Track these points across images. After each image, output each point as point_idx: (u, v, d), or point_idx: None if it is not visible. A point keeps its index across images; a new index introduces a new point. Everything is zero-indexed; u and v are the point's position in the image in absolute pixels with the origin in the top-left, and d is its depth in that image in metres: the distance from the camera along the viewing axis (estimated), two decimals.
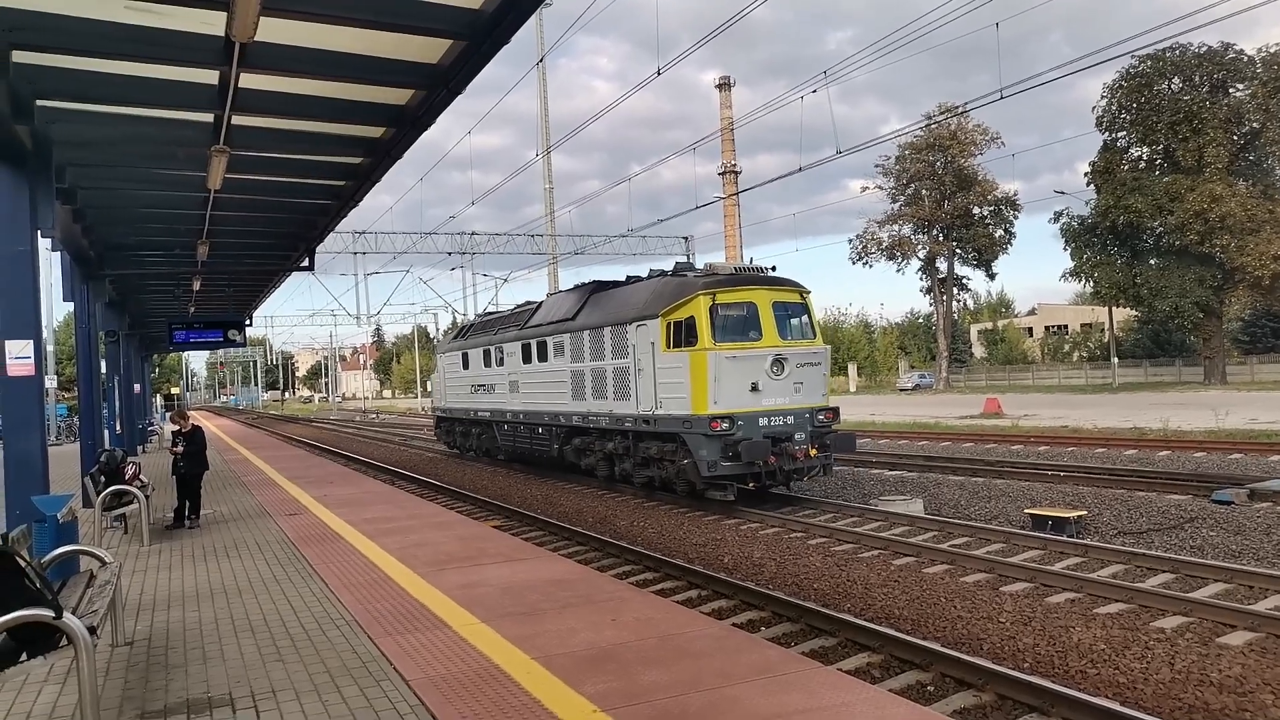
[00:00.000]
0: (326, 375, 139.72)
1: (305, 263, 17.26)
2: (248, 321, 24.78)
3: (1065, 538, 11.48)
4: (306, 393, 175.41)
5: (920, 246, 68.22)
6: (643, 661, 5.62)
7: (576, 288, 19.79)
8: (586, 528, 13.77)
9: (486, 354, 22.89)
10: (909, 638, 7.50)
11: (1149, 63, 49.40)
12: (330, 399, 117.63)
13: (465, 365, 24.73)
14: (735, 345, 14.15)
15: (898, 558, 11.00)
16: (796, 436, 14.28)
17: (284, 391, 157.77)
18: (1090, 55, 15.34)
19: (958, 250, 67.76)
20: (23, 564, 4.96)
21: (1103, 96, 52.14)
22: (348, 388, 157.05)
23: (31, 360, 8.47)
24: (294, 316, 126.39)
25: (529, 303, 22.96)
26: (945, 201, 66.32)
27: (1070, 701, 6.05)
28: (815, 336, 15.10)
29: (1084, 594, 9.02)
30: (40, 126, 8.83)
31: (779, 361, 14.32)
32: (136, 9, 7.29)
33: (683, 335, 14.45)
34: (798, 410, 14.40)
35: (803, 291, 15.23)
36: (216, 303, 25.85)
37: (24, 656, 4.83)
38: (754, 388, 14.11)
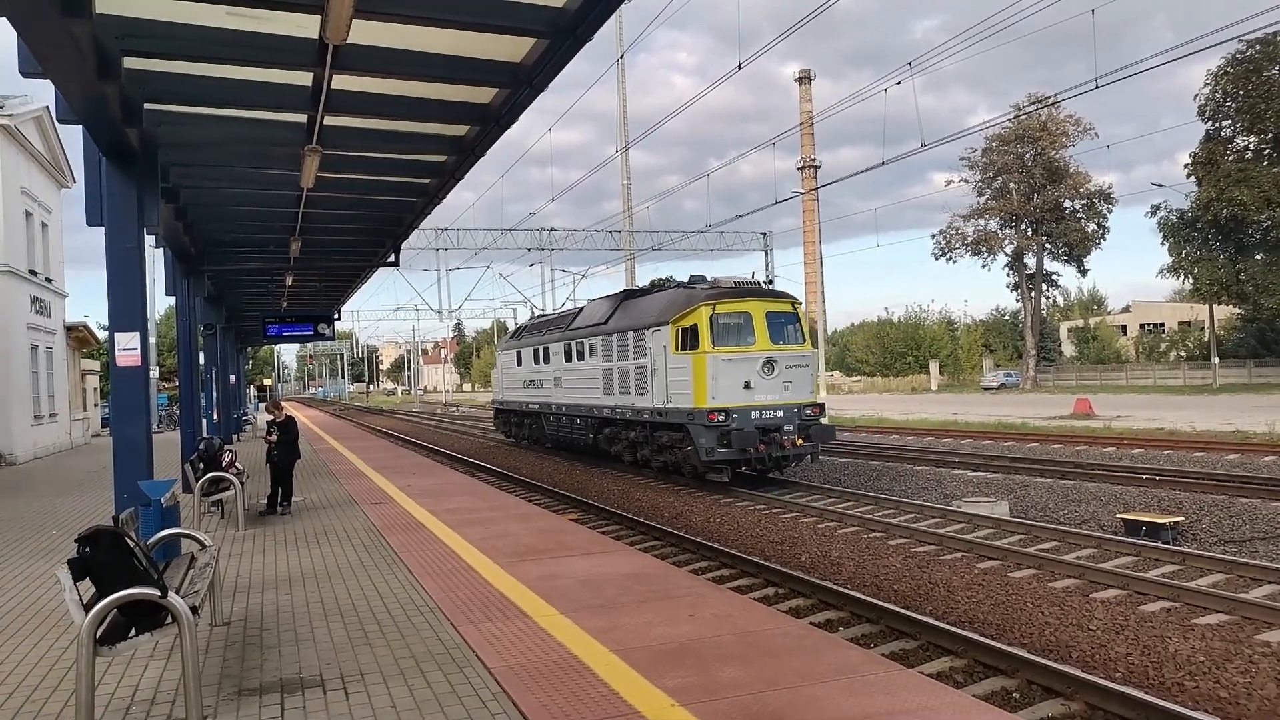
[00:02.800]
0: (409, 368, 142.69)
1: (391, 258, 17.70)
2: (336, 315, 25.57)
3: (1161, 544, 11.02)
4: (390, 385, 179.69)
5: (1007, 241, 66.20)
6: (721, 657, 5.61)
7: (610, 295, 22.05)
8: (663, 523, 13.82)
9: (536, 353, 25.38)
10: (994, 643, 7.31)
11: (1257, 48, 46.86)
12: (412, 391, 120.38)
13: (519, 362, 27.19)
14: (731, 349, 16.31)
15: (982, 561, 10.73)
16: (785, 428, 16.27)
17: (369, 384, 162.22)
18: (1194, 41, 14.57)
19: (1047, 245, 65.52)
20: (132, 544, 5.22)
21: (1206, 84, 49.77)
22: (429, 381, 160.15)
23: (138, 351, 8.90)
24: (379, 311, 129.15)
25: (578, 308, 25.55)
26: (1034, 195, 64.18)
27: (1167, 715, 5.81)
28: (804, 342, 17.08)
29: (1181, 603, 8.65)
30: (148, 129, 9.27)
31: (769, 363, 16.40)
32: (237, 14, 7.59)
33: (689, 340, 16.63)
34: (786, 405, 16.40)
35: (794, 302, 17.39)
36: (307, 297, 26.78)
37: (133, 632, 5.09)
38: (747, 385, 16.21)
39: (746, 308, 16.68)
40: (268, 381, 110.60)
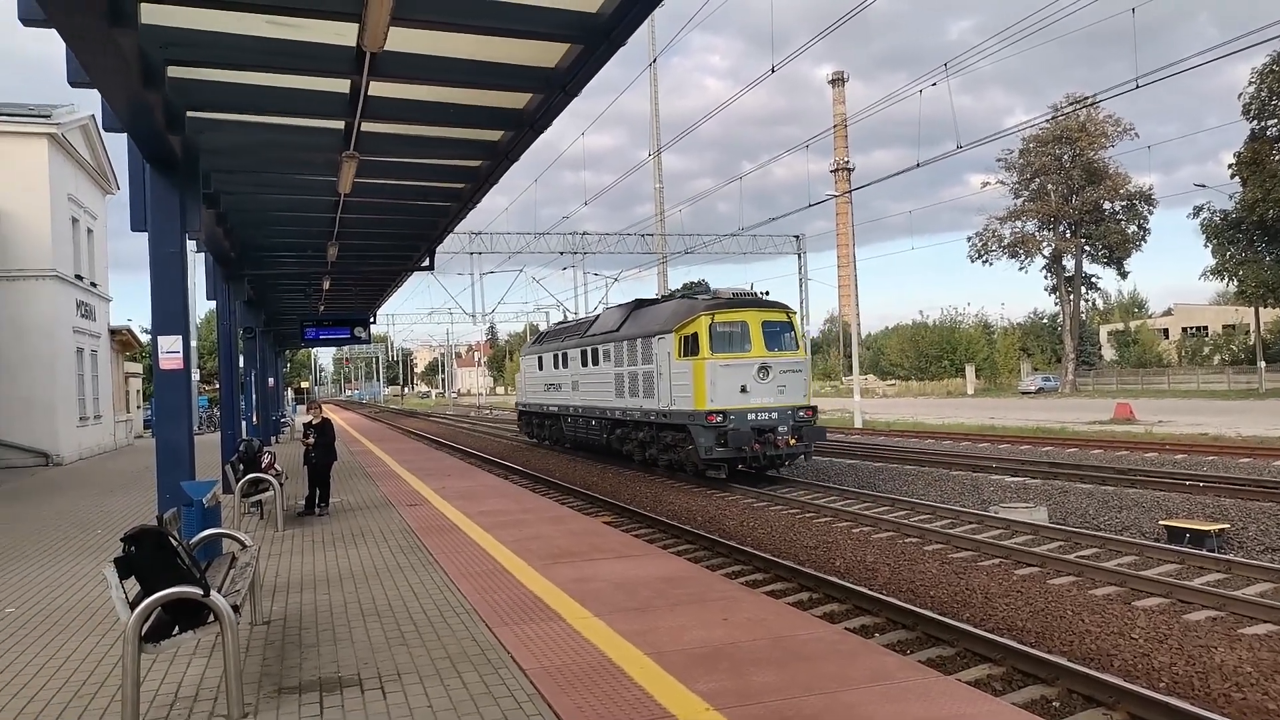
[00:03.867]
0: (443, 371, 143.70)
1: (426, 262, 17.90)
2: (372, 319, 25.95)
3: (1205, 552, 10.79)
4: (424, 388, 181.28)
5: (1045, 243, 65.26)
6: (755, 662, 5.59)
7: (623, 304, 23.88)
8: (696, 527, 13.81)
9: (556, 357, 27.06)
10: (1033, 650, 7.20)
11: None
12: (446, 394, 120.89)
13: (540, 367, 28.90)
14: (728, 355, 17.70)
15: (1020, 567, 10.58)
16: (779, 429, 17.59)
17: (403, 387, 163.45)
18: (1238, 39, 14.22)
19: (1086, 247, 64.49)
20: (175, 544, 5.32)
21: (1251, 82, 48.68)
22: (463, 384, 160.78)
23: (180, 355, 9.09)
24: (413, 315, 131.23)
25: (594, 315, 27.57)
26: (1073, 196, 63.23)
27: None
28: (798, 349, 18.57)
29: (1227, 613, 8.46)
30: (190, 136, 9.45)
31: (764, 368, 17.74)
32: (277, 23, 7.72)
33: (690, 347, 18.07)
34: (781, 408, 17.73)
35: (789, 312, 18.82)
36: (344, 301, 27.17)
37: (176, 630, 5.18)
38: (743, 389, 17.55)
39: (743, 317, 18.05)
40: (305, 384, 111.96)
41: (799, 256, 47.02)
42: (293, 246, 18.05)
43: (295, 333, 26.13)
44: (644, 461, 21.09)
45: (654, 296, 22.87)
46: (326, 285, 20.92)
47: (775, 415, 17.63)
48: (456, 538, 10.31)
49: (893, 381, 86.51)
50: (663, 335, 19.07)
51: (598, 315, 25.95)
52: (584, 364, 24.25)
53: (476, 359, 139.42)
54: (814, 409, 18.36)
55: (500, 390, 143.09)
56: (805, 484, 18.07)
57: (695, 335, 17.96)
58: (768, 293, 19.33)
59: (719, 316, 17.96)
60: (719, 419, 17.30)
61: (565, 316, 50.84)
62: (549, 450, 29.01)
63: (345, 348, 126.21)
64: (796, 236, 47.09)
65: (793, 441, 17.62)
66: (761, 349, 17.92)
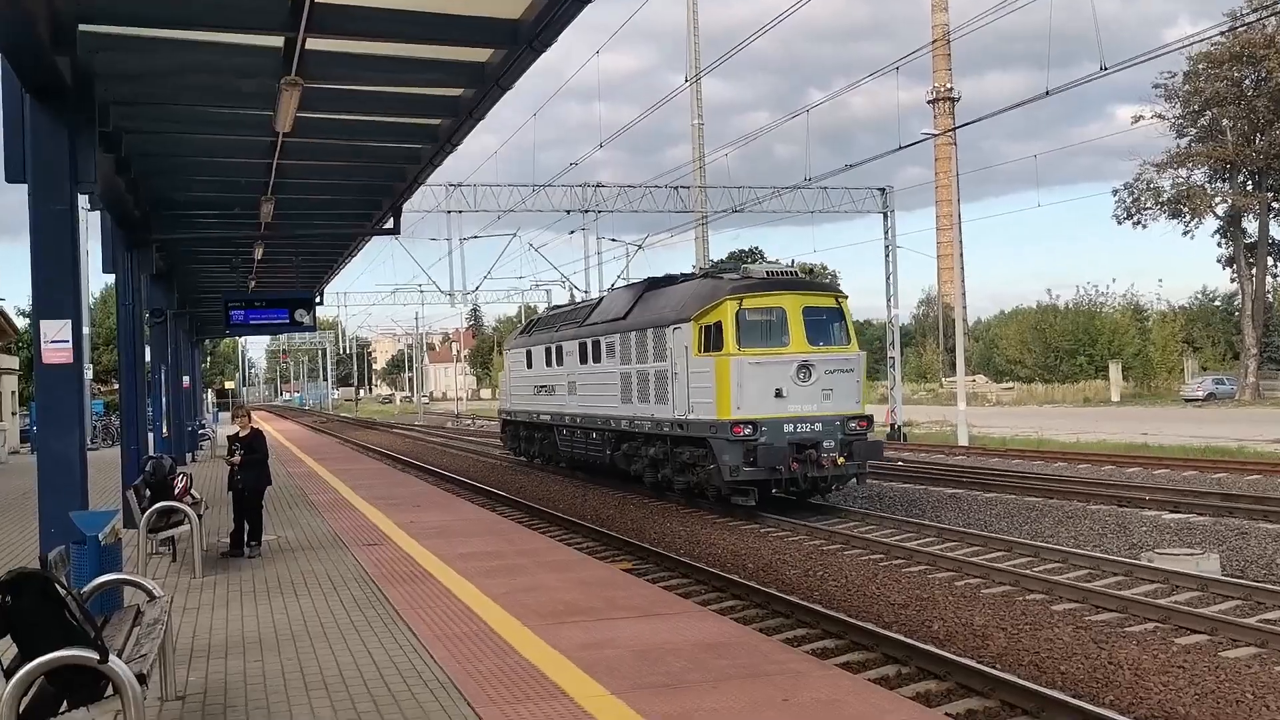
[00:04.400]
0: (411, 368, 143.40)
1: (389, 224, 17.97)
2: (318, 299, 26.15)
3: None
4: (386, 390, 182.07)
5: (1218, 199, 64.60)
6: None
7: (632, 284, 24.87)
8: (746, 576, 13.84)
9: (548, 352, 27.95)
10: None
11: None
12: (415, 399, 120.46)
13: (529, 364, 29.98)
14: (760, 350, 18.39)
15: (1183, 635, 10.50)
16: (823, 444, 18.18)
17: (359, 388, 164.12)
18: None
19: (1275, 205, 63.75)
20: (63, 593, 5.39)
21: None
22: (437, 384, 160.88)
23: (70, 345, 9.13)
24: (373, 293, 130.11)
25: (597, 298, 28.61)
26: (1257, 135, 62.49)
27: None
28: (849, 342, 19.21)
29: None
30: (82, 57, 9.45)
31: (805, 367, 18.39)
32: None
33: (712, 339, 18.69)
34: (826, 417, 18.36)
35: (838, 296, 19.46)
36: (282, 276, 27.43)
37: (64, 706, 5.25)
38: (778, 394, 18.21)
39: (779, 302, 18.73)
40: (230, 385, 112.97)
41: (885, 216, 46.13)
42: (216, 204, 18.15)
43: (218, 317, 26.33)
44: (656, 485, 22.06)
45: (673, 274, 23.96)
46: (259, 254, 21.08)
47: (819, 426, 18.35)
48: (429, 588, 10.35)
49: (1010, 384, 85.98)
50: (679, 325, 19.74)
51: (601, 299, 27.07)
52: (583, 360, 25.06)
53: (455, 352, 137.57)
54: (868, 419, 19.10)
55: (486, 394, 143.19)
56: (870, 516, 18.45)
57: (719, 325, 18.61)
58: (812, 271, 20.35)
59: (749, 301, 18.57)
60: (747, 431, 17.97)
61: (573, 296, 50.93)
62: (542, 471, 29.71)
63: (283, 336, 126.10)
64: (882, 190, 46.00)
65: (840, 460, 18.29)
66: (802, 342, 18.58)
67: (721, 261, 26.53)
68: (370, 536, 14.08)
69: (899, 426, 42.91)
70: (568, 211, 43.31)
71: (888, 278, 46.60)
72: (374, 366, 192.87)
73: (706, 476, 19.30)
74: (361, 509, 17.39)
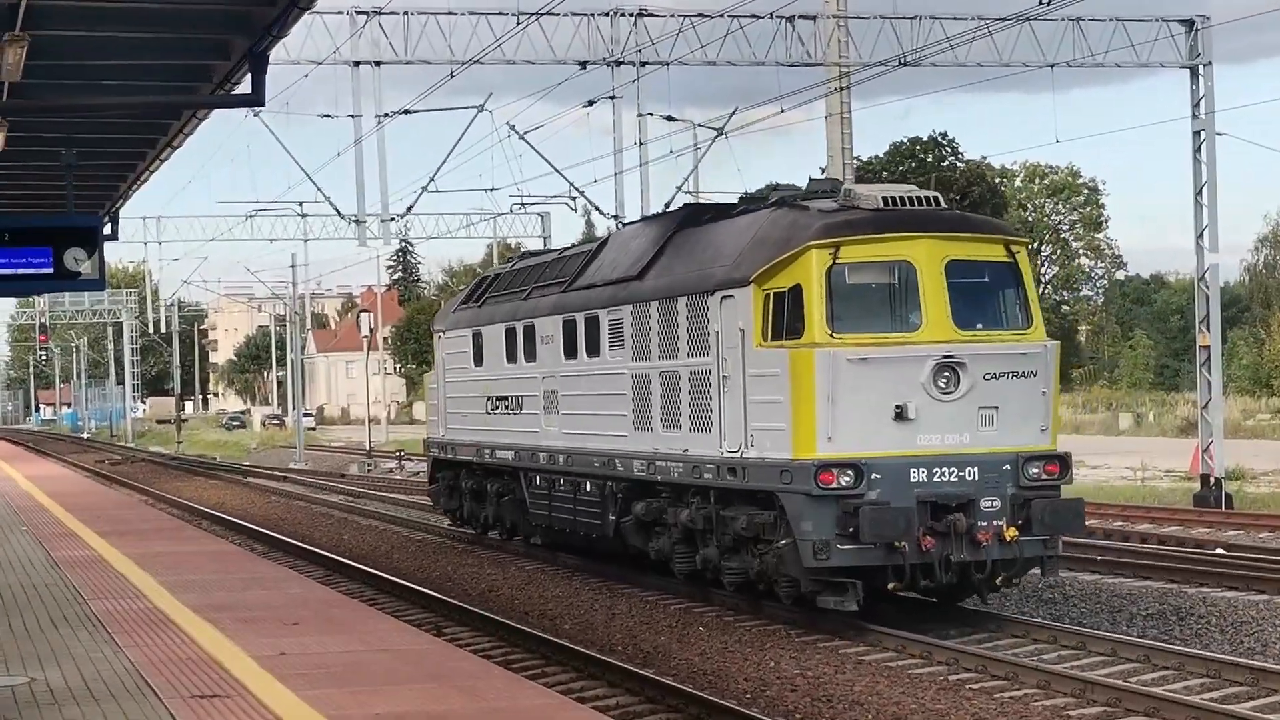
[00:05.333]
0: (281, 361, 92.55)
1: (244, 87, 12.89)
2: (106, 226, 18.68)
3: None
4: (235, 403, 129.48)
5: None
6: None
7: (660, 215, 19.26)
8: None
9: (510, 336, 20.69)
10: None
11: None
12: (288, 417, 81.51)
13: (477, 358, 22.30)
14: (869, 338, 13.28)
15: None
16: (983, 504, 13.01)
17: (183, 398, 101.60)
18: None
19: None
20: None
21: None
22: (331, 388, 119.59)
23: None
24: (211, 221, 59.48)
25: (599, 240, 21.17)
26: None
27: None
28: (1031, 324, 13.98)
29: None
30: None
31: (950, 368, 13.15)
32: None
33: (785, 317, 13.52)
34: (986, 457, 13.20)
35: (1010, 242, 14.19)
36: (40, 188, 20.86)
37: None
38: (900, 414, 13.03)
39: (904, 252, 13.42)
40: None
41: (1191, 75, 28.90)
42: None
43: None
44: (695, 575, 15.84)
45: (718, 204, 18.03)
46: None
47: (974, 473, 13.13)
48: None
49: None
50: (728, 290, 14.16)
51: (602, 242, 19.99)
52: (569, 353, 18.44)
53: (366, 326, 67.29)
54: (1062, 459, 13.64)
55: (422, 408, 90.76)
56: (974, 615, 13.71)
57: (797, 291, 13.30)
58: (963, 199, 14.97)
59: (851, 249, 13.22)
60: (845, 480, 12.73)
61: (589, 228, 38.61)
62: (498, 550, 21.97)
63: (41, 301, 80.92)
64: (1187, 23, 28.93)
65: (1012, 532, 12.91)
66: (944, 324, 13.24)
67: (817, 180, 16.52)
68: (203, 680, 9.16)
69: (1219, 480, 27.68)
70: (583, 64, 28.66)
71: (1197, 194, 29.04)
72: (211, 357, 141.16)
73: (777, 561, 13.53)
74: (186, 626, 12.11)
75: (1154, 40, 28.94)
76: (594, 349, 17.68)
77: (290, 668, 9.41)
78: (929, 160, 77.91)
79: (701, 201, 17.87)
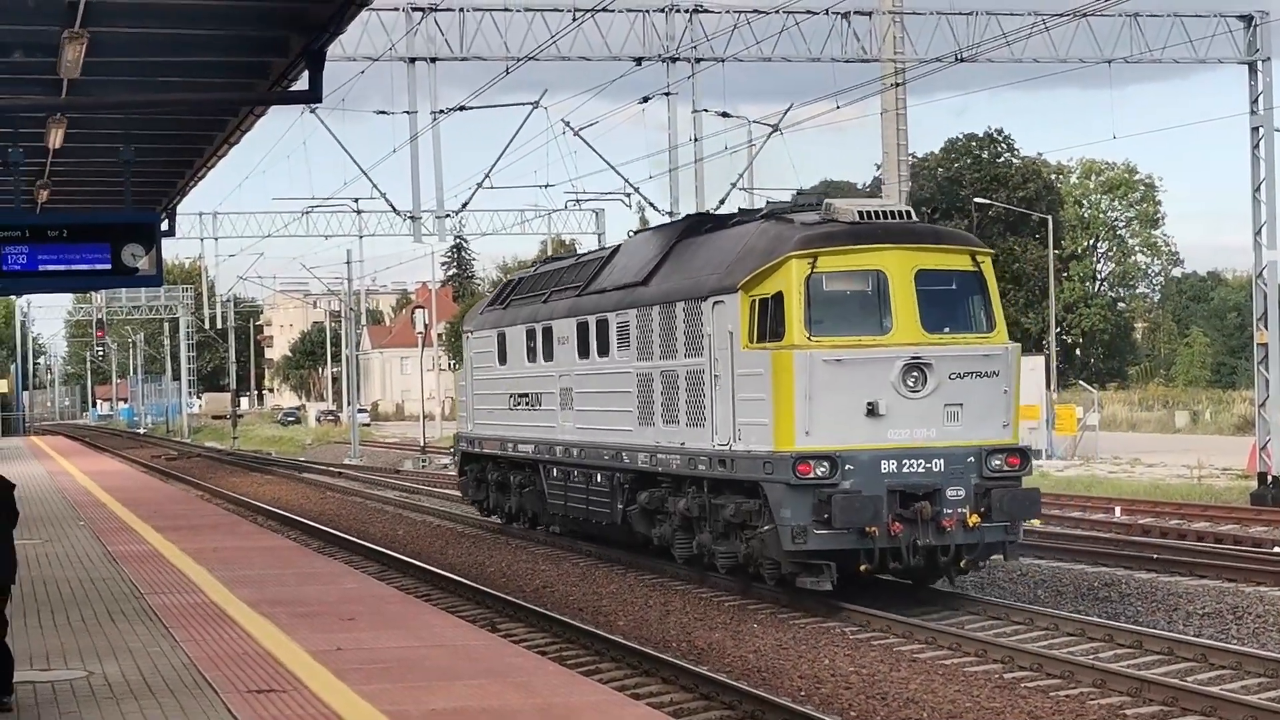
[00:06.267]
0: (336, 357, 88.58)
1: (300, 83, 13.09)
2: (164, 223, 18.97)
3: None
4: (290, 399, 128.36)
5: None
6: None
7: (668, 224, 20.16)
8: None
9: (530, 337, 22.14)
10: None
11: None
12: (343, 413, 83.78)
13: (501, 357, 23.72)
14: (844, 341, 14.33)
15: None
16: (948, 493, 14.00)
17: (238, 394, 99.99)
18: None
19: None
20: None
21: None
22: (386, 384, 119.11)
23: None
24: (266, 217, 58.17)
25: (613, 247, 22.53)
26: None
27: None
28: (994, 328, 14.94)
29: None
30: None
31: (918, 368, 14.18)
32: None
33: (768, 321, 14.69)
34: (951, 450, 14.19)
35: (975, 252, 15.29)
36: (97, 187, 21.27)
37: None
38: (873, 410, 14.08)
39: (877, 261, 14.52)
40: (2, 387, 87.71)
41: (1250, 71, 29.26)
42: None
43: None
44: (693, 559, 17.16)
45: (721, 214, 19.50)
46: (57, 142, 15.54)
47: (940, 464, 14.16)
48: None
49: None
50: (719, 296, 15.42)
51: (616, 249, 21.45)
52: (583, 353, 19.73)
53: (421, 322, 68.37)
54: (1021, 453, 14.89)
55: None
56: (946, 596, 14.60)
57: (779, 298, 14.50)
58: (935, 213, 15.51)
59: (828, 259, 14.40)
60: (821, 470, 13.78)
61: (643, 220, 38.49)
62: (525, 540, 22.69)
63: (98, 297, 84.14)
64: (1246, 19, 29.09)
65: (974, 519, 13.89)
66: (913, 327, 14.32)
67: (802, 193, 18.87)
68: (260, 675, 9.07)
69: (1276, 478, 27.34)
70: (638, 61, 28.95)
71: (1255, 190, 28.87)
72: (267, 354, 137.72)
73: (760, 545, 14.70)
74: (242, 621, 11.99)
75: (1212, 36, 28.96)
76: (604, 349, 19.04)
77: (346, 663, 9.40)
78: (984, 157, 77.31)
79: (702, 212, 19.42)
